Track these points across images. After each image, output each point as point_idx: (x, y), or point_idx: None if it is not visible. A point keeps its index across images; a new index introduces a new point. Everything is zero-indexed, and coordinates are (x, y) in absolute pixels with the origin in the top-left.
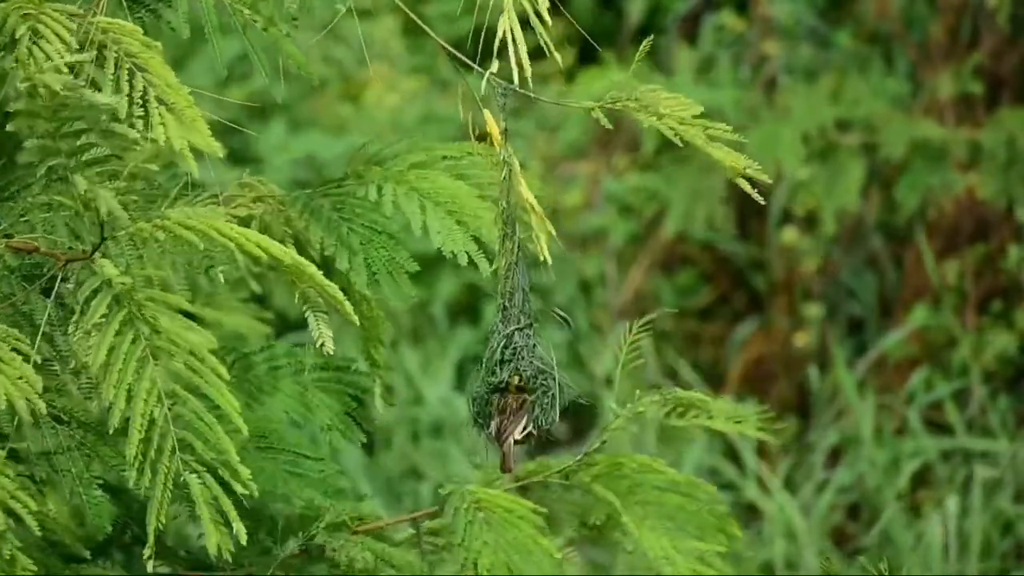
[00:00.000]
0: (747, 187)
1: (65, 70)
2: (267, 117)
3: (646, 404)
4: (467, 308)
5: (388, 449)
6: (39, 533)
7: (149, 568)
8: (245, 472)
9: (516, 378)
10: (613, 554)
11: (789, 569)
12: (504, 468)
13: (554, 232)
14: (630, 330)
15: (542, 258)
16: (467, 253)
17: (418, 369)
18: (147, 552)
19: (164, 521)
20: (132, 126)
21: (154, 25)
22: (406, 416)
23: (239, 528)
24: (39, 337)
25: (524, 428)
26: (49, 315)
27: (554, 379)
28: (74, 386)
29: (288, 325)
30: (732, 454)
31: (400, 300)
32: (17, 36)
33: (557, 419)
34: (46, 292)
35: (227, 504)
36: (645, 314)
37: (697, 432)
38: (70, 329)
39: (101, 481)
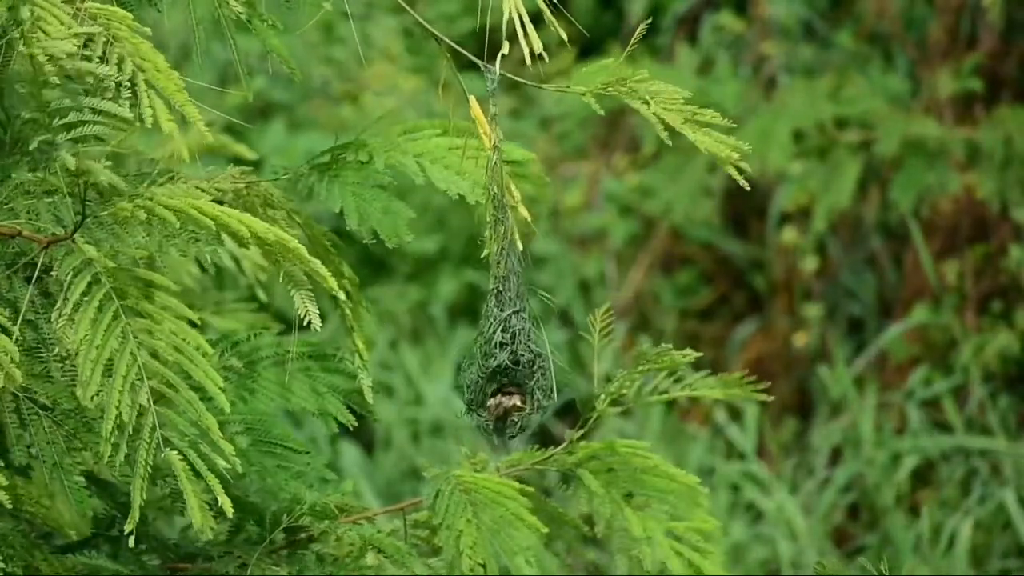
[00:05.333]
0: (736, 175)
1: (71, 46)
2: (267, 117)
3: (631, 377)
4: (467, 308)
5: (388, 449)
6: (25, 521)
7: (130, 543)
8: (228, 447)
9: (516, 364)
10: (613, 556)
11: (790, 569)
12: (486, 419)
13: (529, 217)
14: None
15: (515, 244)
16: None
17: (418, 369)
18: (128, 527)
19: (144, 497)
20: (119, 103)
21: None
22: (406, 416)
23: (225, 502)
24: (20, 322)
25: (521, 403)
26: (33, 302)
27: (550, 362)
28: (59, 373)
29: (287, 327)
30: (733, 454)
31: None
32: (22, 17)
33: (553, 400)
34: (30, 279)
35: (212, 479)
36: (645, 314)
37: (699, 431)
38: (53, 316)
39: (83, 468)
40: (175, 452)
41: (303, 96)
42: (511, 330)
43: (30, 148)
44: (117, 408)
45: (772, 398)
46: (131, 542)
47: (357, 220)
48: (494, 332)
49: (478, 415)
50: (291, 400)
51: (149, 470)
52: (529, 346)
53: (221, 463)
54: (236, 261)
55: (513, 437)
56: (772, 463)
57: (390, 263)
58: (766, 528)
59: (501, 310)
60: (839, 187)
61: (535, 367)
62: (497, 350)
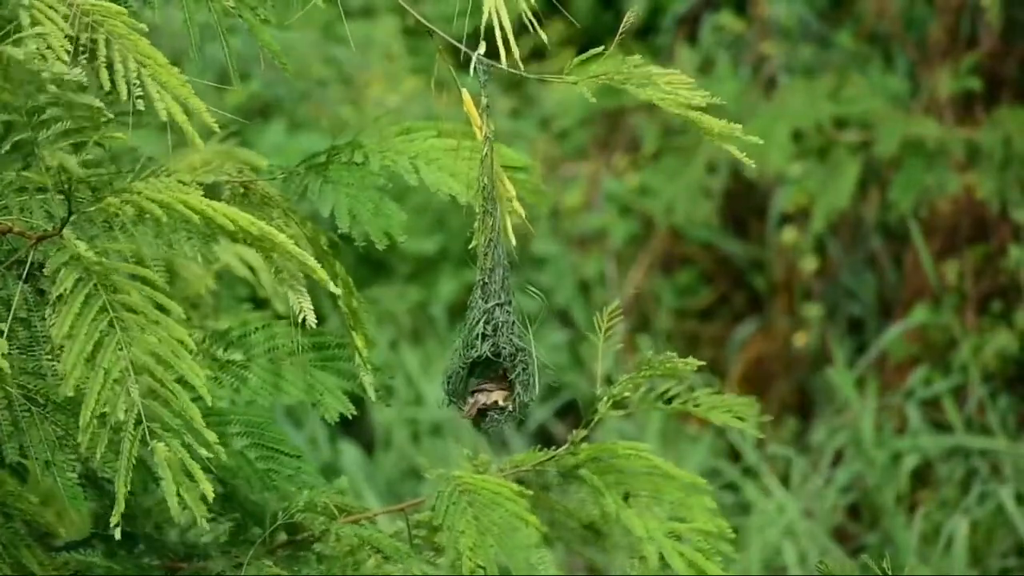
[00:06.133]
0: (738, 154)
1: (61, 47)
2: (267, 117)
3: (632, 382)
4: (466, 308)
5: (388, 449)
6: (21, 521)
7: (117, 535)
8: (212, 436)
9: (497, 356)
10: (612, 556)
11: (791, 569)
12: (465, 415)
13: (522, 213)
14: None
15: (504, 237)
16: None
17: (418, 369)
18: (113, 519)
19: (128, 487)
20: (132, 104)
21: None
22: (406, 416)
23: (206, 488)
24: (11, 319)
25: (503, 400)
26: (26, 299)
27: (532, 357)
28: (51, 370)
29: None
30: (733, 455)
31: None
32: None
33: (534, 397)
34: (23, 276)
35: (192, 464)
36: (645, 314)
37: (699, 432)
38: (47, 312)
39: (76, 464)
40: (160, 443)
41: (303, 96)
42: (494, 322)
43: (9, 145)
44: (97, 398)
45: (763, 435)
46: (117, 534)
47: (349, 222)
48: (477, 323)
49: (458, 407)
50: (287, 391)
51: (134, 461)
52: (512, 340)
53: (203, 452)
54: (252, 271)
55: (490, 431)
56: (772, 463)
57: (390, 263)
58: (767, 528)
59: (486, 302)
60: (838, 188)
61: (517, 361)
62: (479, 341)
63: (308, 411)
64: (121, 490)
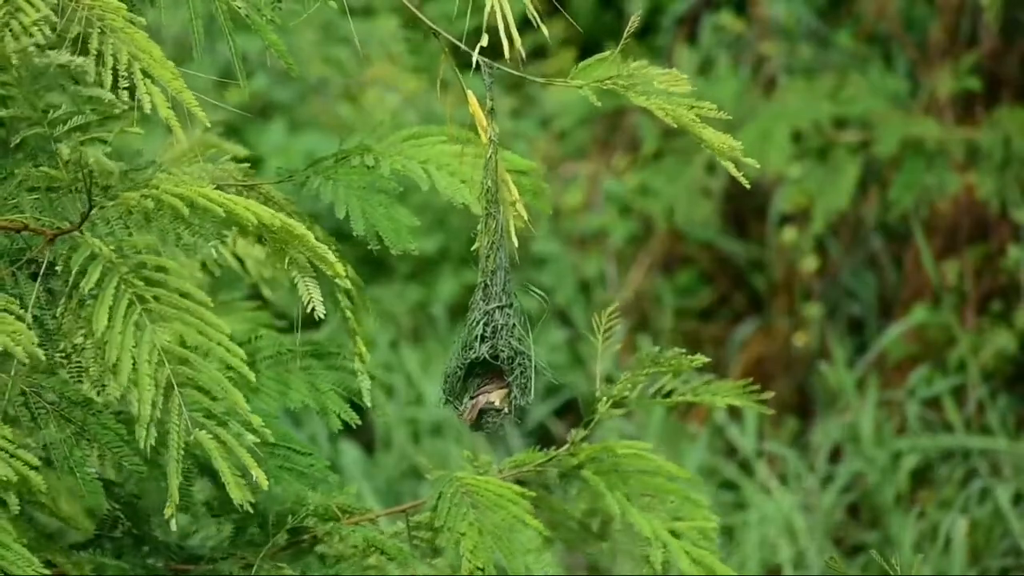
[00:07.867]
0: (734, 170)
1: (40, 38)
2: (267, 117)
3: (632, 380)
4: (467, 308)
5: (388, 449)
6: (40, 521)
7: (173, 526)
8: (257, 420)
9: (495, 358)
10: (613, 556)
11: (791, 569)
12: (465, 418)
13: (525, 215)
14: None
15: (507, 239)
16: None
17: (418, 369)
18: (168, 511)
19: (180, 478)
20: (118, 97)
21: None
22: (406, 416)
23: (259, 475)
24: (28, 317)
25: (500, 402)
26: (38, 297)
27: (531, 361)
28: (64, 369)
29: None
30: (733, 454)
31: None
32: None
33: (531, 401)
34: (35, 275)
35: (243, 453)
36: (645, 314)
37: (699, 431)
38: (59, 311)
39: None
40: (204, 432)
41: (303, 96)
42: (493, 324)
43: (17, 142)
44: (150, 390)
45: (772, 411)
46: (173, 525)
47: (363, 225)
48: (477, 325)
49: (454, 407)
50: (292, 398)
51: (182, 451)
52: (511, 343)
53: (250, 438)
54: (240, 260)
55: (486, 432)
56: (771, 462)
57: (390, 263)
58: (766, 528)
59: (486, 304)
60: (838, 188)
61: (515, 364)
62: (478, 343)
63: (308, 411)
64: (173, 481)
